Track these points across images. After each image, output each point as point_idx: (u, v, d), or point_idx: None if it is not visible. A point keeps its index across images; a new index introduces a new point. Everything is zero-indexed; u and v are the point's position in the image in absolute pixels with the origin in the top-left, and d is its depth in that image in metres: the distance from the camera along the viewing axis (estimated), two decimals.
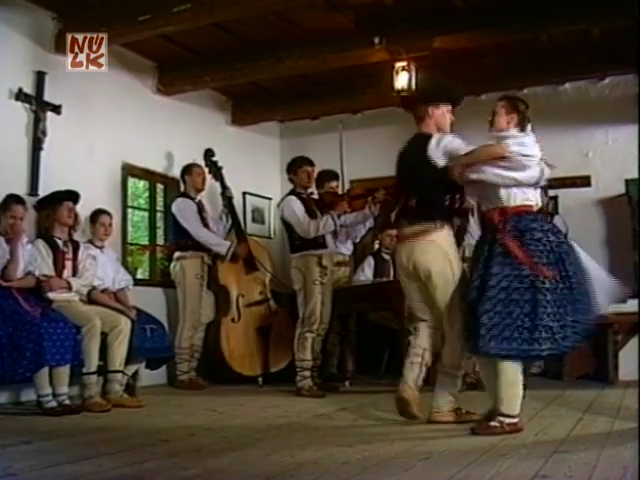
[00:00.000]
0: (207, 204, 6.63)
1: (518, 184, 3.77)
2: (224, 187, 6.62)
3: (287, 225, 5.65)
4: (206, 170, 6.60)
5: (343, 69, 6.54)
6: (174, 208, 6.34)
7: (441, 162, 3.95)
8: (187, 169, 6.47)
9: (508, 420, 3.62)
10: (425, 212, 4.02)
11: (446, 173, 3.91)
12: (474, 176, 3.85)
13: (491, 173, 3.78)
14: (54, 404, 4.50)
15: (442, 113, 4.08)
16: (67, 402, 4.60)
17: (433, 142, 3.97)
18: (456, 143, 3.95)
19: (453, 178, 3.89)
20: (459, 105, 4.22)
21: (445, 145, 3.95)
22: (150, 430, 4.00)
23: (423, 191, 4.05)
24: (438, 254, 3.96)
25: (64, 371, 4.57)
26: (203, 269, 6.30)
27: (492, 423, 3.64)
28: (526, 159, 3.72)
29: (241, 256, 6.36)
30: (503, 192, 3.80)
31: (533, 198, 3.83)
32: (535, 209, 3.84)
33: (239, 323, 6.37)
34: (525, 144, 3.73)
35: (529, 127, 3.90)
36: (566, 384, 5.65)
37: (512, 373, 3.67)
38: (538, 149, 3.80)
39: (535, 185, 3.81)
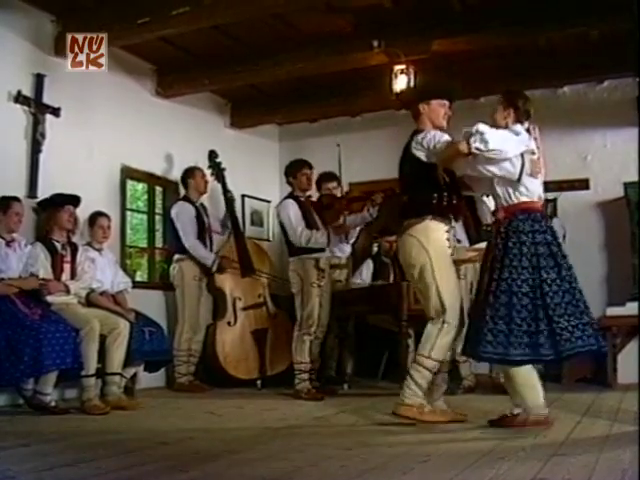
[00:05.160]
0: (209, 206, 6.65)
1: (501, 178, 3.77)
2: (226, 189, 6.63)
3: (284, 228, 5.66)
4: (209, 171, 6.62)
5: (342, 72, 6.54)
6: (173, 212, 6.33)
7: (424, 158, 3.96)
8: (190, 172, 6.46)
9: (535, 412, 3.71)
10: (412, 208, 4.04)
11: (429, 169, 3.93)
12: (458, 173, 3.94)
13: (471, 168, 3.83)
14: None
15: (434, 109, 4.06)
16: (53, 404, 4.65)
17: (417, 139, 4.00)
18: (435, 139, 3.92)
19: (439, 175, 3.91)
20: (454, 99, 4.21)
21: (426, 141, 3.94)
22: (148, 433, 3.99)
23: (410, 187, 4.13)
24: (414, 246, 3.96)
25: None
26: (202, 271, 6.29)
27: (519, 417, 3.74)
28: (491, 153, 3.67)
29: (226, 269, 6.33)
30: (499, 189, 3.81)
31: (534, 192, 3.81)
32: (539, 204, 3.85)
33: (235, 326, 6.37)
34: (488, 140, 3.63)
35: (527, 122, 3.89)
36: (565, 387, 5.64)
37: (523, 371, 3.75)
38: (519, 143, 3.75)
39: (519, 179, 3.75)
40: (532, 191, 3.80)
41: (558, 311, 3.61)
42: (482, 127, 3.68)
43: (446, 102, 4.11)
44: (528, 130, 3.87)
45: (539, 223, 3.75)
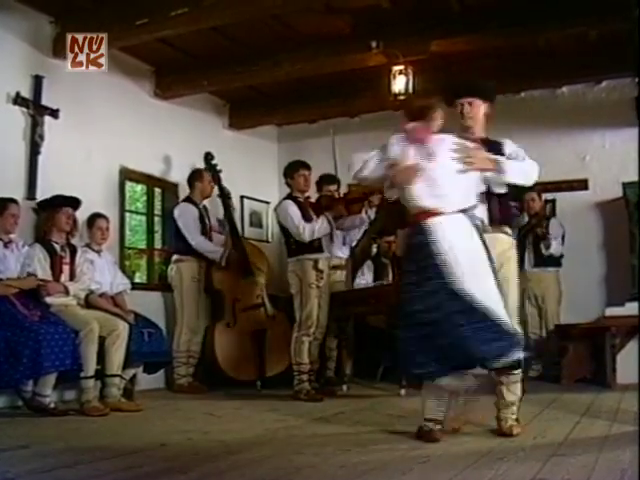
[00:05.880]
0: (210, 208, 6.64)
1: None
2: (222, 191, 6.62)
3: (283, 229, 5.66)
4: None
5: (340, 73, 6.55)
6: (176, 212, 6.32)
7: None
8: (198, 175, 6.46)
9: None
10: None
11: None
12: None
13: None
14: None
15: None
16: (52, 405, 4.63)
17: None
18: None
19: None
20: (461, 96, 3.92)
21: None
22: (147, 434, 3.99)
23: None
24: None
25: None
26: (200, 272, 6.28)
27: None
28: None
29: (235, 262, 6.33)
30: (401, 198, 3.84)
31: (419, 201, 3.65)
32: (427, 213, 3.62)
33: (234, 328, 6.35)
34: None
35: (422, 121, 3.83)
36: (564, 387, 5.65)
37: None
38: (375, 158, 3.85)
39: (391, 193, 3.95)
40: (418, 200, 3.64)
41: (459, 320, 3.41)
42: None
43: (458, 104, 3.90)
44: (425, 130, 3.76)
45: (427, 235, 3.56)
